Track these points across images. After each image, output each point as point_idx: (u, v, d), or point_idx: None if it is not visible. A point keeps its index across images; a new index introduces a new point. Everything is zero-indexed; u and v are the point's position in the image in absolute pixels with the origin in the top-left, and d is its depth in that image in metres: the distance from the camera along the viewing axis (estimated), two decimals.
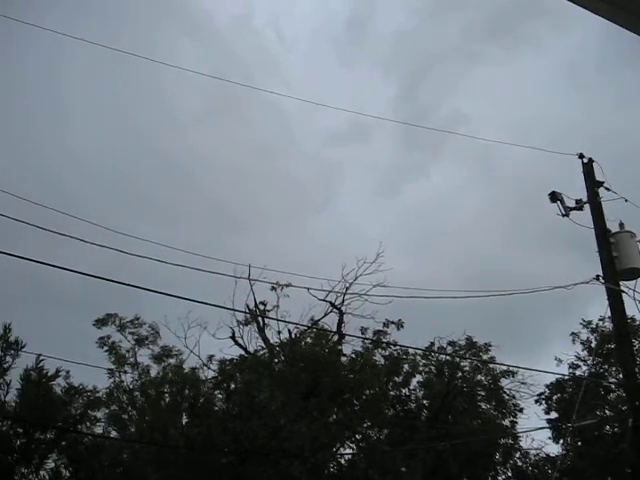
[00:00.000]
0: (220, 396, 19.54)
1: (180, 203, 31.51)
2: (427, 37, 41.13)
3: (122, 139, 32.10)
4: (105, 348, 21.33)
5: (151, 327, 22.33)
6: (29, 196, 15.34)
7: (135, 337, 21.92)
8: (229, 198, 32.99)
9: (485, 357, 23.75)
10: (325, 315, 22.57)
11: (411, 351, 23.45)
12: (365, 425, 22.24)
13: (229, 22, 41.03)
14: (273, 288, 21.31)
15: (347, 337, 22.35)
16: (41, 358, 18.73)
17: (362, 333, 22.92)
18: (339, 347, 21.92)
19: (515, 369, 23.15)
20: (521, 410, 23.57)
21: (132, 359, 21.94)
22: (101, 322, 21.59)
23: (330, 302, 22.27)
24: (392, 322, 22.99)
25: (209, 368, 20.53)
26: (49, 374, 18.52)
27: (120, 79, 30.85)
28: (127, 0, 35.21)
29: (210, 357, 20.55)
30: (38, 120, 31.26)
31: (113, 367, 19.75)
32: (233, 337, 21.62)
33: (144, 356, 22.03)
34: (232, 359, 21.23)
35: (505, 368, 23.47)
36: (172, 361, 21.87)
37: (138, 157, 32.13)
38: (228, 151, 34.66)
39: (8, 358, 18.13)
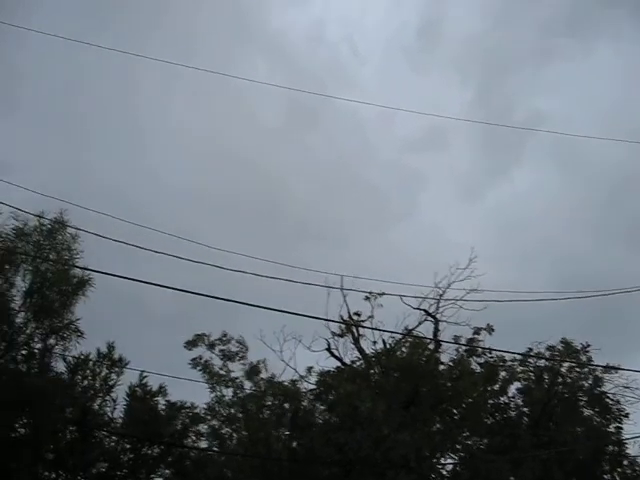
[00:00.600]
0: (321, 407, 19.42)
1: (265, 215, 31.77)
2: (500, 37, 40.49)
3: (203, 155, 32.65)
4: (198, 368, 21.80)
5: (239, 342, 22.57)
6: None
7: (225, 354, 22.23)
8: (312, 209, 33.04)
9: (584, 358, 22.97)
10: (419, 324, 22.22)
11: (507, 357, 22.84)
12: (464, 434, 21.80)
13: (302, 39, 41.32)
14: (367, 298, 21.12)
15: (442, 345, 21.94)
16: (144, 375, 19.12)
17: (455, 341, 22.50)
18: (436, 355, 21.54)
19: (617, 371, 22.27)
20: (627, 415, 22.59)
21: (225, 375, 22.24)
22: (191, 344, 22.02)
23: (425, 310, 21.94)
24: (483, 328, 22.50)
25: (307, 381, 20.44)
26: (152, 390, 18.89)
27: (197, 96, 31.40)
28: (201, 20, 35.66)
29: (309, 369, 20.46)
30: (120, 139, 32.04)
31: (212, 382, 19.82)
32: (329, 349, 21.51)
33: (236, 371, 22.31)
34: (329, 371, 21.07)
35: (606, 371, 22.61)
36: (264, 375, 22.08)
37: (220, 171, 32.55)
38: (308, 162, 34.80)
39: (113, 375, 18.55)
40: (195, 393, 21.27)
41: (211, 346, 22.19)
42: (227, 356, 22.18)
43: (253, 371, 21.77)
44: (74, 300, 17.40)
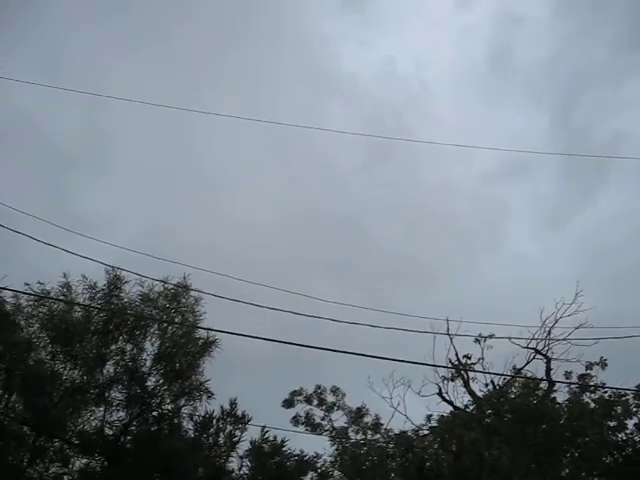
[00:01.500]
0: (443, 456, 19.29)
1: (352, 262, 31.98)
2: (572, 58, 40.16)
3: (285, 203, 33.10)
4: (301, 422, 22.19)
5: (333, 392, 22.87)
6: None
7: (324, 405, 22.58)
8: (398, 250, 33.11)
9: None
10: (528, 362, 21.99)
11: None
12: (583, 474, 21.33)
13: (374, 79, 41.79)
14: (477, 340, 21.01)
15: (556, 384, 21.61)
16: (266, 430, 19.29)
17: (566, 378, 22.16)
18: (551, 395, 21.22)
19: None
20: None
21: (328, 425, 22.50)
22: (288, 403, 22.45)
23: (534, 349, 21.70)
24: (595, 363, 22.13)
25: (421, 428, 20.37)
26: (277, 444, 19.04)
27: (277, 147, 31.95)
28: (272, 70, 36.39)
29: (428, 417, 20.40)
30: (209, 191, 32.75)
31: (337, 437, 19.99)
32: (440, 393, 21.40)
33: (338, 421, 22.58)
34: (442, 416, 20.97)
35: None
36: (367, 421, 22.26)
37: (304, 218, 32.94)
38: (390, 200, 34.95)
39: (237, 432, 18.77)
40: (298, 444, 21.55)
41: (308, 400, 22.65)
42: (326, 407, 22.58)
43: (358, 417, 22.05)
44: (201, 361, 17.75)
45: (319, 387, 22.39)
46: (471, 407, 21.60)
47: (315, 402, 22.53)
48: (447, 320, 21.03)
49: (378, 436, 21.81)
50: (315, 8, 39.17)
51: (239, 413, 18.78)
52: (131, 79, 33.40)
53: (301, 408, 22.81)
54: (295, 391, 22.26)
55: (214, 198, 32.91)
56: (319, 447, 21.28)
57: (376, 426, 22.11)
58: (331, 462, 19.77)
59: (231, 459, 18.80)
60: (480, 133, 37.10)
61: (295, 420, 22.53)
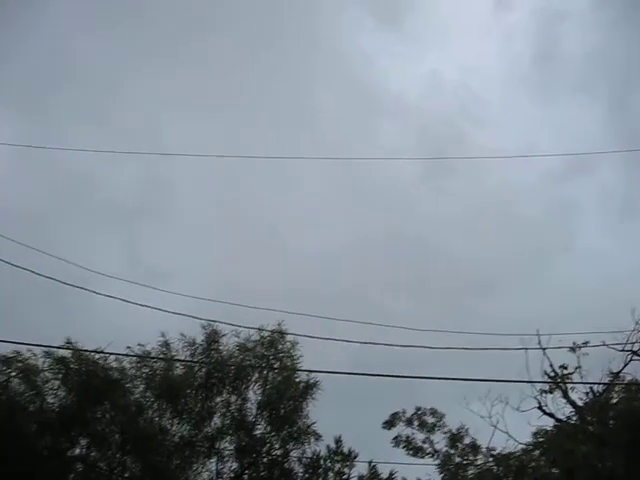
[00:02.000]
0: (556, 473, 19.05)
1: (423, 274, 31.89)
2: (621, 46, 39.31)
3: (350, 232, 33.20)
4: (402, 446, 22.18)
5: (432, 414, 22.81)
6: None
7: (424, 427, 22.55)
8: (470, 259, 32.82)
9: None
10: (625, 365, 21.56)
11: None
12: None
13: (421, 93, 41.73)
14: (572, 349, 20.73)
15: None
16: (373, 464, 19.39)
17: None
18: None
19: None
20: None
21: (430, 449, 22.44)
22: (389, 424, 22.49)
23: (631, 350, 21.28)
24: None
25: (529, 446, 20.13)
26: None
27: (335, 178, 32.14)
28: (321, 101, 36.70)
29: (535, 434, 20.10)
30: (273, 233, 33.10)
31: (445, 464, 19.96)
32: (540, 407, 21.13)
33: (439, 444, 22.52)
34: (546, 430, 20.70)
35: None
36: (466, 441, 22.16)
37: (370, 244, 32.97)
38: (454, 212, 34.72)
39: (345, 469, 18.91)
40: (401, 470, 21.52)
41: (409, 422, 22.66)
42: (427, 429, 22.55)
43: (457, 437, 21.97)
44: (304, 404, 17.97)
45: (419, 409, 22.31)
46: (574, 418, 21.28)
47: (415, 424, 22.45)
48: (538, 334, 20.86)
49: (480, 457, 21.66)
50: (351, 30, 39.26)
51: (345, 450, 18.95)
52: (183, 128, 34.11)
53: (401, 430, 22.77)
54: (396, 413, 22.24)
55: (279, 238, 33.20)
56: (421, 471, 21.40)
57: (474, 448, 21.98)
58: None
59: None
60: (537, 133, 36.63)
61: (396, 441, 22.48)
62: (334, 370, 17.41)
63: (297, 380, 18.11)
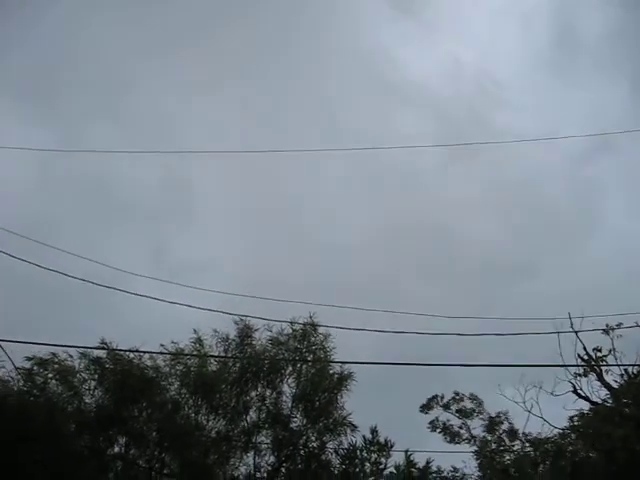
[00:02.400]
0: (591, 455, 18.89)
1: (449, 261, 31.78)
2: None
3: (376, 221, 33.09)
4: (438, 430, 22.16)
5: (472, 399, 22.73)
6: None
7: (461, 412, 22.51)
8: (496, 244, 32.63)
9: None
10: None
11: None
12: None
13: (441, 80, 41.41)
14: (605, 332, 20.52)
15: None
16: (409, 453, 19.41)
17: None
18: None
19: None
20: None
21: (466, 434, 22.40)
22: (426, 407, 22.47)
23: None
24: None
25: (566, 431, 19.99)
26: (427, 468, 19.15)
27: (359, 168, 32.05)
28: (341, 91, 36.55)
29: (571, 418, 19.95)
30: (300, 225, 33.11)
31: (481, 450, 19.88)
32: (575, 391, 20.96)
33: (476, 430, 22.48)
34: (583, 413, 20.53)
35: None
36: (504, 427, 22.08)
37: (396, 233, 32.81)
38: (478, 197, 34.51)
39: (382, 459, 18.95)
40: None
41: (446, 406, 22.62)
42: (464, 414, 22.48)
43: (495, 422, 21.90)
44: (339, 396, 18.00)
45: (457, 393, 22.27)
46: (609, 400, 21.10)
47: (453, 409, 22.43)
48: (570, 317, 20.68)
49: (516, 442, 21.59)
50: (368, 21, 39.05)
51: (381, 440, 18.98)
52: (203, 125, 34.17)
53: (438, 413, 22.79)
54: (433, 397, 22.25)
55: (306, 231, 33.20)
56: (456, 458, 21.38)
57: (512, 433, 21.91)
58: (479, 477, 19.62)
59: None
60: (560, 114, 36.26)
61: (433, 425, 22.50)
62: (367, 361, 17.50)
63: (331, 372, 18.13)
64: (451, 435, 22.60)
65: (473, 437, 22.43)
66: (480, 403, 22.84)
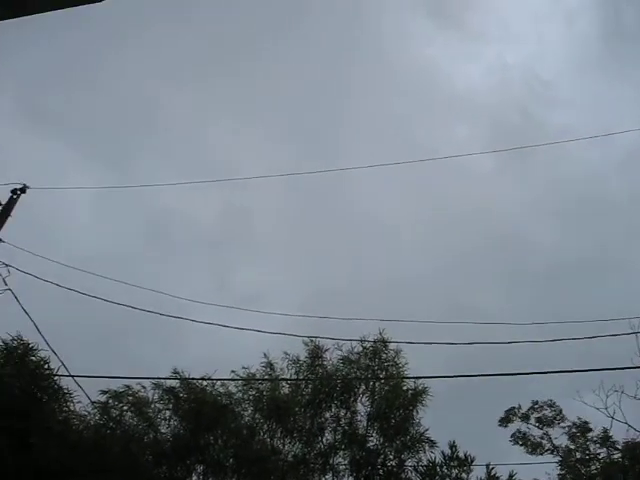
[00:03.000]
0: None
1: (516, 265, 31.20)
2: None
3: (439, 233, 32.80)
4: (520, 443, 21.60)
5: (550, 406, 22.09)
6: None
7: (542, 421, 21.91)
8: (560, 244, 31.94)
9: None
10: None
11: None
12: None
13: (491, 85, 41.10)
14: None
15: None
16: (491, 467, 18.81)
17: None
18: None
19: None
20: None
21: (548, 445, 21.75)
22: (505, 420, 21.94)
23: None
24: None
25: None
26: None
27: (416, 181, 31.86)
28: (392, 108, 36.48)
29: None
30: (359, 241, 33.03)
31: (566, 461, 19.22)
32: None
33: (558, 439, 21.81)
34: None
35: None
36: (591, 435, 21.35)
37: (460, 242, 32.44)
38: (536, 197, 33.87)
39: (463, 474, 18.40)
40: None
41: (525, 417, 22.06)
42: (544, 423, 21.87)
43: (580, 430, 21.21)
44: (414, 412, 17.66)
45: (535, 402, 21.73)
46: None
47: (532, 418, 21.87)
48: None
49: (602, 450, 20.83)
50: (413, 37, 39.16)
51: (460, 455, 18.45)
52: (256, 151, 34.55)
53: (518, 426, 22.26)
54: (511, 409, 21.74)
55: (365, 246, 33.13)
56: (539, 470, 20.71)
57: (605, 439, 21.15)
58: None
59: None
60: (614, 110, 35.47)
61: (514, 438, 22.01)
62: (440, 375, 17.14)
63: (404, 388, 17.80)
64: (532, 446, 22.00)
65: (555, 447, 21.76)
66: (560, 411, 22.21)
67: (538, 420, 22.16)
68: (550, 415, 22.13)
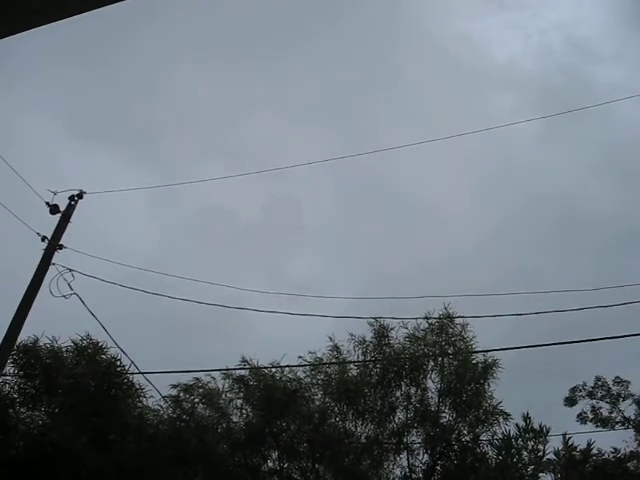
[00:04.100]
0: None
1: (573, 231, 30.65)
2: None
3: (491, 205, 32.36)
4: (589, 420, 21.31)
5: (617, 382, 21.73)
6: None
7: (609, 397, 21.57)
8: (617, 211, 31.21)
9: None
10: None
11: None
12: None
13: (534, 54, 40.38)
14: None
15: None
16: (568, 437, 18.55)
17: None
18: None
19: None
20: None
21: (619, 417, 21.39)
22: (570, 400, 21.64)
23: None
24: None
25: None
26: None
27: (466, 158, 31.47)
28: (437, 86, 36.06)
29: None
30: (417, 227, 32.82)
31: None
32: None
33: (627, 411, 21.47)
34: None
35: None
36: None
37: (514, 212, 31.96)
38: (589, 160, 33.16)
39: (539, 446, 18.14)
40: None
41: (590, 394, 21.75)
42: (612, 398, 21.56)
43: None
44: (486, 385, 17.47)
45: (599, 379, 21.40)
46: None
47: (598, 395, 21.53)
48: None
49: None
50: (452, 10, 38.72)
51: (535, 426, 18.19)
52: (301, 143, 34.56)
53: (584, 405, 21.95)
54: (575, 387, 21.44)
55: (417, 226, 32.92)
56: (616, 438, 20.35)
57: None
58: None
59: (541, 475, 18.24)
60: None
61: (581, 418, 21.70)
62: (509, 346, 16.92)
63: (474, 362, 17.60)
64: (602, 422, 21.67)
65: (627, 419, 21.38)
66: (627, 385, 21.85)
67: (604, 396, 21.83)
68: (616, 390, 21.78)
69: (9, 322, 18.01)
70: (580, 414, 21.73)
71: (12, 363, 16.70)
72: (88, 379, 16.42)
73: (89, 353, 16.94)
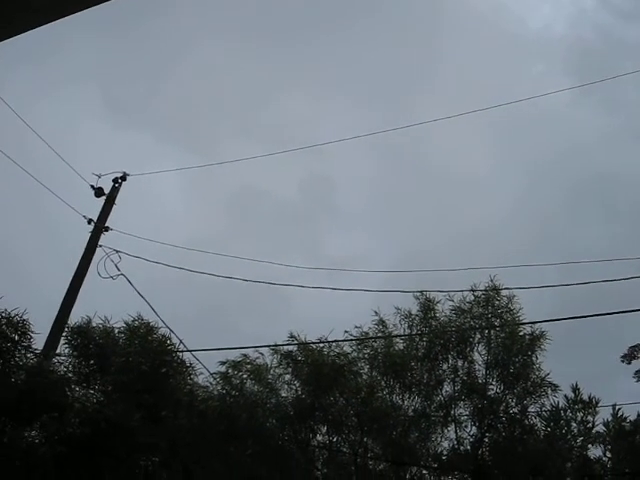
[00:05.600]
0: None
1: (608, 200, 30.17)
2: None
3: (527, 173, 31.97)
4: None
5: None
6: None
7: None
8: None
9: None
10: None
11: None
12: None
13: (564, 22, 39.59)
14: None
15: None
16: (618, 408, 18.41)
17: None
18: None
19: None
20: None
21: None
22: (628, 357, 21.41)
23: None
24: None
25: None
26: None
27: (498, 127, 31.06)
28: (466, 55, 35.60)
29: None
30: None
31: None
32: None
33: None
34: None
35: None
36: None
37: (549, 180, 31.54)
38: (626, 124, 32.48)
39: (589, 417, 18.07)
40: None
41: None
42: None
43: None
44: (534, 357, 17.42)
45: None
46: None
47: None
48: None
49: None
50: None
51: (584, 397, 18.11)
52: (336, 121, 34.42)
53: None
54: (635, 346, 21.24)
55: (455, 200, 32.71)
56: None
57: None
58: None
59: (590, 446, 18.17)
60: None
61: (638, 375, 21.55)
62: (557, 317, 16.84)
63: (521, 334, 17.55)
64: None
65: None
66: None
67: None
68: None
69: (59, 304, 18.50)
70: (638, 371, 21.49)
71: (66, 344, 17.14)
72: (140, 358, 16.74)
73: (141, 333, 17.28)
